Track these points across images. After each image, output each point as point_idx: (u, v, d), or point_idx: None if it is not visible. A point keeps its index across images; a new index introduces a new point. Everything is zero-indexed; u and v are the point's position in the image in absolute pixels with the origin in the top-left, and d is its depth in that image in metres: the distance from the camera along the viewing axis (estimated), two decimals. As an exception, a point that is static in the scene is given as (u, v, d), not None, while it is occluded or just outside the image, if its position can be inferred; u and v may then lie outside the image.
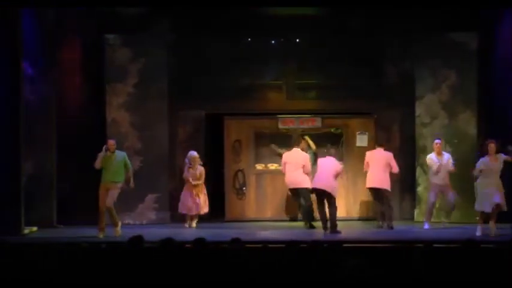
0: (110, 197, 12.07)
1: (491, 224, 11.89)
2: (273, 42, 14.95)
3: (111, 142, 12.27)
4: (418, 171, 14.20)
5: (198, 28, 14.40)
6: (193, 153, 13.57)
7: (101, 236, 11.88)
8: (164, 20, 14.13)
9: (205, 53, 14.65)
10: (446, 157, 13.04)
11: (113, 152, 12.20)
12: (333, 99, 14.86)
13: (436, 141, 13.15)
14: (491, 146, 11.94)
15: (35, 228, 12.48)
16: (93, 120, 14.09)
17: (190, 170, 13.48)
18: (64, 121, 13.61)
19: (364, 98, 14.66)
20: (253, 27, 14.62)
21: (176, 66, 14.48)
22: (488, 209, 11.85)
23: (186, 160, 13.58)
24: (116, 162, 12.17)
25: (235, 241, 7.08)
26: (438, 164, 12.95)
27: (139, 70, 14.06)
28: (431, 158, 13.08)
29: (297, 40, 14.86)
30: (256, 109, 14.97)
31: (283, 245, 7.12)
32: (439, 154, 13.04)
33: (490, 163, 11.91)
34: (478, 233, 11.84)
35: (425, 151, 14.05)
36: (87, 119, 14.06)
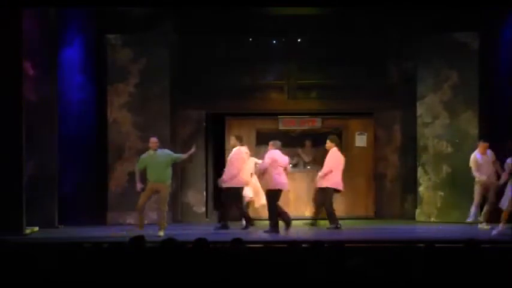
0: (162, 200, 11.96)
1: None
2: (274, 42, 14.97)
3: (153, 140, 12.12)
4: (420, 171, 14.20)
5: (200, 28, 14.42)
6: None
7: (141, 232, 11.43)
8: (166, 20, 14.14)
9: (207, 53, 14.68)
10: (489, 154, 12.79)
11: (155, 150, 12.07)
12: (334, 99, 14.87)
13: (482, 142, 12.91)
14: None
15: (36, 228, 12.48)
16: (95, 120, 14.12)
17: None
18: (65, 121, 13.62)
19: (365, 98, 14.67)
20: (254, 27, 14.65)
21: (178, 66, 14.50)
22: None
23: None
24: (160, 161, 12.00)
25: (237, 241, 7.08)
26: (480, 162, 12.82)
27: (141, 70, 14.07)
28: (474, 155, 12.85)
29: (299, 40, 14.88)
30: (257, 109, 15.00)
31: (284, 245, 7.12)
32: (484, 153, 12.80)
33: None
34: (494, 232, 11.67)
35: (427, 151, 14.08)
36: (89, 119, 14.08)
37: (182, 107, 14.75)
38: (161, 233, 11.72)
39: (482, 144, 12.84)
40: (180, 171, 14.61)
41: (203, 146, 14.67)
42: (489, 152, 12.81)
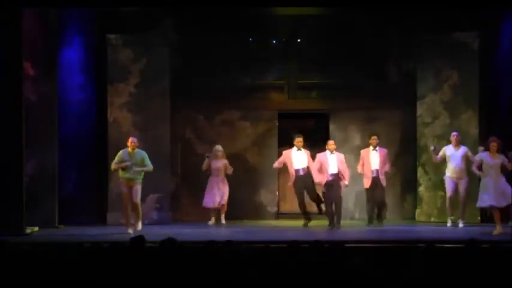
0: (135, 193, 12.30)
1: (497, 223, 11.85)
2: (274, 42, 14.96)
3: (132, 140, 12.42)
4: (420, 171, 14.20)
5: (200, 28, 14.41)
6: (217, 147, 13.82)
7: (131, 231, 12.04)
8: (166, 20, 14.13)
9: (207, 53, 14.66)
10: (463, 150, 12.98)
11: (133, 150, 12.36)
12: (334, 99, 14.87)
13: (453, 133, 13.12)
14: (493, 145, 11.90)
15: (36, 228, 12.48)
16: (95, 120, 14.12)
17: (213, 162, 13.75)
18: (65, 121, 13.62)
19: (365, 98, 14.68)
20: (254, 27, 14.65)
21: (178, 66, 14.49)
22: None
23: (208, 154, 13.81)
24: (135, 161, 12.31)
25: (236, 241, 7.09)
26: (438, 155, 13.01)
27: (141, 70, 14.06)
28: (445, 148, 13.10)
29: (299, 40, 14.88)
30: (257, 109, 14.99)
31: (284, 245, 7.13)
32: (456, 146, 13.01)
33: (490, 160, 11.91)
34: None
35: (427, 151, 14.05)
36: (89, 119, 14.08)
37: (183, 107, 14.74)
38: (139, 225, 12.35)
39: (452, 137, 13.11)
40: (181, 171, 14.65)
41: (275, 146, 14.67)
42: (463, 146, 13.04)
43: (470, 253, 6.75)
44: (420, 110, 14.25)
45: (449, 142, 13.56)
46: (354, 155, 13.88)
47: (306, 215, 13.40)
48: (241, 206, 14.58)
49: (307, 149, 13.50)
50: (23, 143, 12.04)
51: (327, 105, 14.91)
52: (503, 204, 11.78)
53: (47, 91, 13.23)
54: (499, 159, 11.86)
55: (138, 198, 12.38)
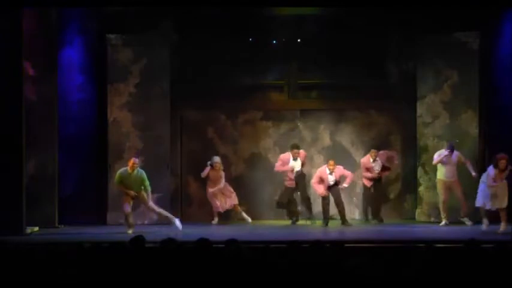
0: (142, 199, 12.50)
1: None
2: (274, 42, 14.95)
3: (134, 160, 12.50)
4: (420, 171, 14.20)
5: (201, 28, 14.40)
6: (215, 158, 13.95)
7: (130, 232, 12.17)
8: (166, 20, 14.13)
9: (207, 53, 14.65)
10: (455, 154, 13.10)
11: (133, 171, 12.42)
12: (334, 99, 14.87)
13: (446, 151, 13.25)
14: (502, 163, 11.87)
15: (36, 228, 12.48)
16: (95, 120, 14.12)
17: (211, 172, 13.93)
18: (65, 121, 13.63)
19: (365, 97, 14.67)
20: (254, 27, 14.63)
21: (178, 66, 14.49)
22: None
23: (209, 163, 13.88)
24: (134, 181, 12.44)
25: (235, 241, 7.09)
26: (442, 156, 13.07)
27: (141, 70, 14.06)
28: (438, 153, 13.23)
29: (299, 40, 14.86)
30: (257, 109, 14.99)
31: (284, 245, 7.13)
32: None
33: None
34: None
35: (427, 151, 14.06)
36: (89, 119, 14.08)
37: (183, 107, 14.74)
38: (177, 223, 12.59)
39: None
40: (181, 171, 14.63)
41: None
42: (455, 151, 13.16)
43: (470, 253, 6.75)
44: (420, 110, 14.25)
45: (448, 142, 13.59)
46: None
47: (292, 213, 13.91)
48: (261, 206, 14.65)
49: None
50: (23, 143, 12.04)
51: (327, 105, 14.91)
52: (493, 208, 11.86)
53: (47, 91, 13.23)
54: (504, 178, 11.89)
55: (149, 202, 12.49)
